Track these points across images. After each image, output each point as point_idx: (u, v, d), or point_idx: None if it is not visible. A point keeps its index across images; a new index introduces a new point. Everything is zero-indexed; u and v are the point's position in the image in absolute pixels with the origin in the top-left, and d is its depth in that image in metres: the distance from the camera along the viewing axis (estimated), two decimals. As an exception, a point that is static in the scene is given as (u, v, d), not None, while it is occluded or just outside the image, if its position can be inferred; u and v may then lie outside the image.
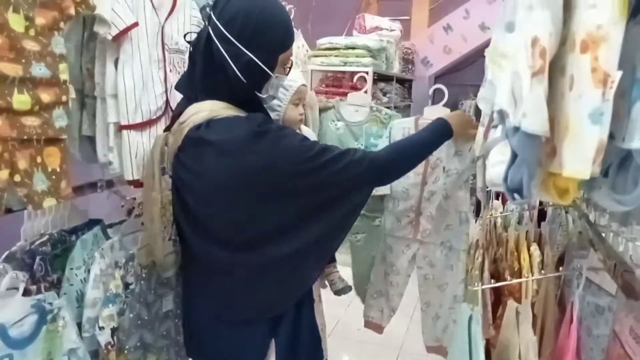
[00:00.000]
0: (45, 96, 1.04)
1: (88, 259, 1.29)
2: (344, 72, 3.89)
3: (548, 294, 1.14)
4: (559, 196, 0.64)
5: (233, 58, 1.09)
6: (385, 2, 5.78)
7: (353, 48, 3.78)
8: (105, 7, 1.18)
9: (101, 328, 1.25)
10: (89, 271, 1.27)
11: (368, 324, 1.96)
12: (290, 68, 1.22)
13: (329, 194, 1.14)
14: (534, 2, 0.60)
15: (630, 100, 0.56)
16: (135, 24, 1.27)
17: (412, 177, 1.73)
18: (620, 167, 0.61)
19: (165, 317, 1.40)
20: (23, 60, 0.99)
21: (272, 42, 1.13)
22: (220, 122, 1.10)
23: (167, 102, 1.41)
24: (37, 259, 1.18)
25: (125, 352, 1.28)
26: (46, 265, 1.21)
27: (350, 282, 1.90)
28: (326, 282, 1.79)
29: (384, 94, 4.36)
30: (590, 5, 0.55)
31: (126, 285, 1.31)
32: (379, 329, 1.95)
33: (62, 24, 1.08)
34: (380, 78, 4.37)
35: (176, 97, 1.40)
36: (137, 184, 1.36)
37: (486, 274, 1.25)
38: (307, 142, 1.13)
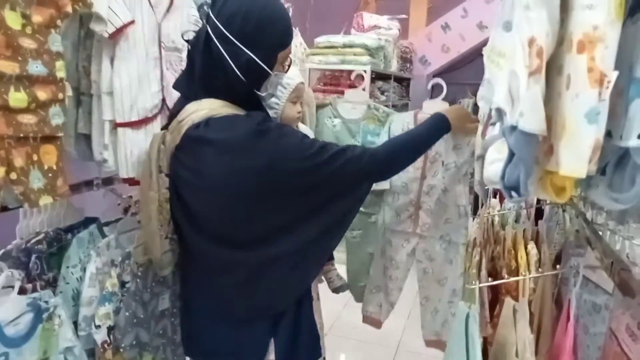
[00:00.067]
0: (42, 94, 1.04)
1: (84, 258, 1.29)
2: (341, 71, 3.88)
3: (545, 292, 1.14)
4: (555, 194, 0.64)
5: (232, 57, 1.08)
6: (383, 0, 5.78)
7: (351, 46, 3.77)
8: (102, 5, 1.18)
9: (97, 327, 1.25)
10: (85, 269, 1.27)
11: (366, 319, 1.97)
12: (289, 66, 1.22)
13: (329, 191, 1.14)
14: (530, 2, 0.60)
15: (627, 98, 0.57)
16: (132, 22, 1.26)
17: (411, 172, 1.75)
18: (617, 165, 0.61)
19: (162, 316, 1.39)
20: (20, 58, 0.99)
21: (272, 40, 1.12)
22: (220, 121, 1.10)
23: (164, 100, 1.41)
24: (33, 257, 1.18)
25: (121, 350, 1.28)
26: (42, 264, 1.20)
27: (344, 275, 1.90)
28: (324, 279, 1.79)
29: (382, 93, 4.36)
30: (586, 6, 0.55)
31: (122, 284, 1.31)
32: (377, 324, 1.95)
33: (59, 22, 1.07)
34: (378, 77, 4.37)
35: (173, 95, 1.39)
36: (132, 181, 1.36)
37: (483, 272, 1.25)
38: (307, 139, 1.13)
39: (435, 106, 1.64)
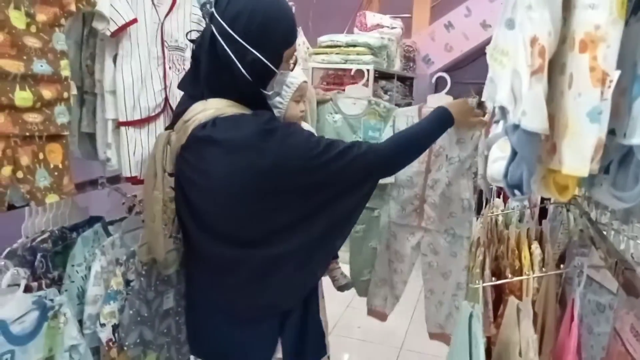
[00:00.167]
0: (47, 93, 1.04)
1: (89, 256, 1.30)
2: (344, 70, 3.88)
3: (549, 292, 1.14)
4: (558, 193, 0.65)
5: (238, 56, 1.08)
6: (386, -1, 5.77)
7: (354, 46, 3.77)
8: (105, 3, 1.18)
9: (102, 325, 1.26)
10: (89, 268, 1.28)
11: (371, 312, 1.99)
12: (295, 64, 1.22)
13: (335, 188, 1.14)
14: (532, 2, 0.60)
15: (631, 96, 0.57)
16: (134, 21, 1.27)
17: (416, 166, 1.76)
18: (621, 164, 0.61)
19: (166, 315, 1.40)
20: (24, 57, 0.99)
21: (277, 39, 1.12)
22: (227, 120, 1.10)
23: (167, 99, 1.41)
24: (38, 255, 1.19)
25: (125, 348, 1.28)
26: (47, 262, 1.21)
27: (348, 273, 1.91)
28: (328, 278, 1.79)
29: (385, 92, 4.35)
30: (588, 5, 0.55)
31: (127, 283, 1.32)
32: (382, 316, 1.97)
33: (63, 21, 1.08)
34: (382, 76, 4.36)
35: (175, 94, 1.40)
36: (135, 180, 1.36)
37: (487, 272, 1.25)
38: (314, 138, 1.14)
39: (439, 100, 1.64)
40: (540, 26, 0.59)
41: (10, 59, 0.96)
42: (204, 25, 1.43)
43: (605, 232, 1.04)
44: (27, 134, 1.01)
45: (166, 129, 1.30)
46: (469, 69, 5.60)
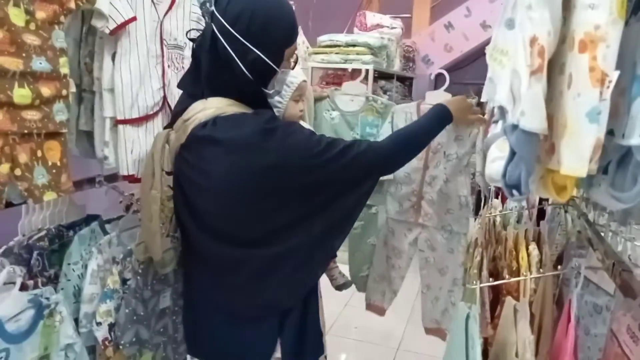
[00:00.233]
0: (46, 90, 1.04)
1: (85, 255, 1.29)
2: (344, 70, 3.88)
3: (546, 293, 1.14)
4: (556, 193, 0.65)
5: (239, 55, 1.08)
6: (386, -1, 5.77)
7: (354, 45, 3.77)
8: (104, 1, 1.18)
9: (98, 324, 1.25)
10: (86, 267, 1.28)
11: (370, 307, 2.01)
12: (295, 62, 1.22)
13: (335, 187, 1.14)
14: (532, 2, 0.60)
15: (630, 97, 0.57)
16: (133, 19, 1.27)
17: (414, 162, 1.76)
18: (619, 164, 0.61)
19: (163, 314, 1.39)
20: (23, 55, 0.99)
21: (279, 37, 1.12)
22: (227, 120, 1.10)
23: (165, 97, 1.41)
24: (35, 253, 1.18)
25: (121, 347, 1.28)
26: (43, 260, 1.21)
27: (347, 273, 1.92)
28: (326, 277, 1.79)
29: (385, 92, 4.35)
30: (588, 6, 0.55)
31: (124, 281, 1.31)
32: (381, 311, 2.00)
33: (62, 18, 1.08)
34: (381, 76, 4.36)
35: (174, 93, 1.39)
36: (132, 179, 1.36)
37: (484, 273, 1.25)
38: (314, 137, 1.13)
39: (438, 97, 1.65)
40: (540, 26, 0.59)
41: (9, 56, 0.96)
42: (204, 24, 1.43)
43: (603, 234, 1.04)
44: (26, 131, 1.01)
45: (165, 127, 1.29)
46: (469, 70, 5.60)
